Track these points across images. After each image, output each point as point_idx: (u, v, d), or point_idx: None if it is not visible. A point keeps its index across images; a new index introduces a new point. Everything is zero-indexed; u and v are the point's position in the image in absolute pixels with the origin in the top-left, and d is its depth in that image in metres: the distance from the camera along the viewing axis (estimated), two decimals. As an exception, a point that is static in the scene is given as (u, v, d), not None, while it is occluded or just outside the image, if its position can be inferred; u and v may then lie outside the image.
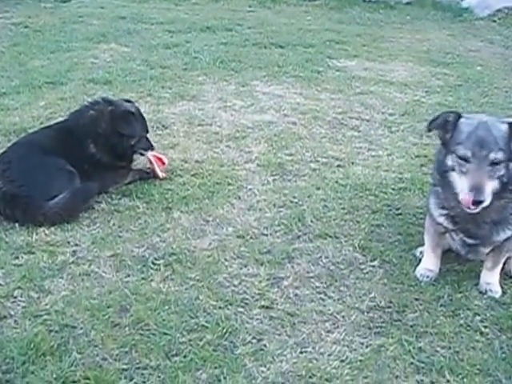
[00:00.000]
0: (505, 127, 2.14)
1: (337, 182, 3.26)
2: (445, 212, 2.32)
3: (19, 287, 2.32)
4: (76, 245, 2.62)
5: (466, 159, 2.14)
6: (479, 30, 7.33)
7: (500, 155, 2.11)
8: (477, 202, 2.11)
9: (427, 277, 2.45)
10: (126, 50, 5.65)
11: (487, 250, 2.36)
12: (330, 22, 7.28)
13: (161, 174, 3.21)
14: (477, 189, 2.10)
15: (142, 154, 3.21)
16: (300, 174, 3.34)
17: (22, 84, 4.54)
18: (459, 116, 2.24)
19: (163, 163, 3.26)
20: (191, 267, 2.48)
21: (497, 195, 2.15)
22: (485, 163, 2.11)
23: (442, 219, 2.34)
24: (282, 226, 2.82)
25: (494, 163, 2.12)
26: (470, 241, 2.33)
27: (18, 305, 2.23)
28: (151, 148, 3.22)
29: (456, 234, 2.36)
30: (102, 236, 2.68)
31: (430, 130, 2.37)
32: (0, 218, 2.77)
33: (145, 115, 3.41)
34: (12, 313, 2.19)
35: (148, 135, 3.26)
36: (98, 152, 3.03)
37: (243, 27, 6.67)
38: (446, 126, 2.26)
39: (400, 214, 2.97)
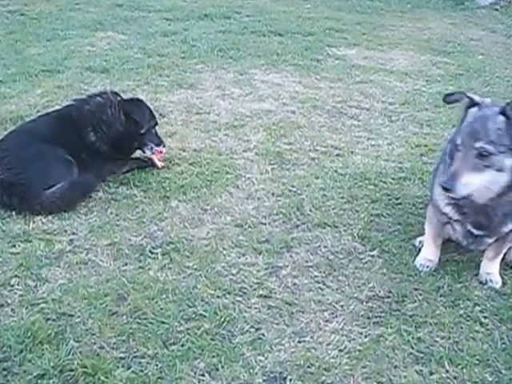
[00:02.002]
0: (500, 120, 2.10)
1: (336, 171, 3.24)
2: (452, 202, 2.29)
3: (16, 275, 2.31)
4: (73, 233, 2.60)
5: (457, 147, 2.15)
6: (481, 18, 7.27)
7: (489, 147, 2.06)
8: (445, 189, 2.12)
9: (427, 267, 2.43)
10: (124, 37, 5.60)
11: (491, 240, 2.34)
12: (330, 10, 7.22)
13: (159, 164, 3.18)
14: (451, 176, 2.10)
15: (151, 151, 3.11)
16: (299, 163, 3.31)
17: (18, 72, 4.50)
18: (472, 105, 2.21)
19: (160, 152, 3.23)
20: (189, 256, 2.47)
21: (508, 187, 2.11)
22: (471, 153, 2.08)
23: (448, 209, 2.31)
24: (280, 215, 2.80)
25: (482, 154, 2.08)
26: (477, 232, 2.30)
27: (15, 293, 2.22)
28: (162, 143, 3.13)
29: (460, 224, 2.33)
30: (100, 224, 2.66)
31: (446, 102, 2.36)
32: (-3, 206, 2.76)
33: None
34: (9, 301, 2.17)
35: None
36: (97, 141, 2.99)
37: (242, 15, 6.61)
38: (463, 107, 2.24)
39: (400, 203, 2.95)
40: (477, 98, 2.25)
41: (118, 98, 3.09)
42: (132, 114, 3.02)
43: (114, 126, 3.01)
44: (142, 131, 3.06)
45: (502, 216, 2.22)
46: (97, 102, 3.05)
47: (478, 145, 2.08)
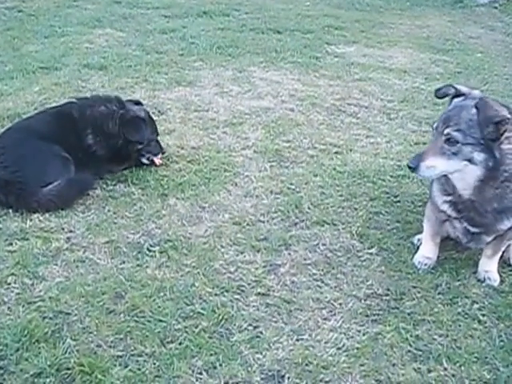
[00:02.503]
0: (473, 111, 2.12)
1: (335, 168, 3.23)
2: (448, 199, 2.30)
3: (13, 274, 2.30)
4: (70, 231, 2.59)
5: (433, 132, 2.23)
6: (480, 16, 7.27)
7: (456, 134, 2.10)
8: (408, 167, 2.19)
9: (425, 264, 2.43)
10: (122, 34, 5.58)
11: (490, 238, 2.33)
12: (329, 8, 7.20)
13: (157, 161, 3.17)
14: (417, 156, 2.18)
15: (149, 160, 3.12)
16: (297, 161, 3.30)
17: (15, 69, 4.47)
18: (456, 95, 2.27)
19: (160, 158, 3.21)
20: (187, 254, 2.46)
21: (482, 182, 2.14)
22: (440, 138, 2.14)
23: (445, 207, 2.32)
24: (278, 212, 2.79)
25: (449, 140, 2.12)
26: (473, 229, 2.30)
27: (12, 291, 2.21)
28: (161, 152, 3.15)
29: (459, 222, 2.33)
30: (97, 222, 2.65)
31: (437, 97, 2.42)
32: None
33: (141, 101, 3.37)
34: (6, 299, 2.16)
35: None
36: (94, 144, 2.97)
37: (240, 12, 6.59)
38: (450, 97, 2.32)
39: (398, 201, 2.95)
40: (463, 89, 2.29)
41: (121, 112, 3.02)
42: (129, 136, 2.99)
43: (113, 139, 2.99)
44: (140, 147, 3.06)
45: (494, 213, 2.22)
46: (100, 110, 3.00)
47: (446, 131, 2.13)
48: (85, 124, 2.96)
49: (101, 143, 2.98)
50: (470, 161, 2.12)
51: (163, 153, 3.17)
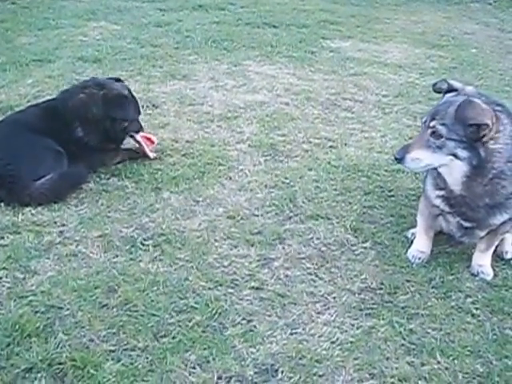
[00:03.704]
0: None
1: (329, 163, 3.22)
2: (441, 194, 2.30)
3: (4, 268, 2.27)
4: (63, 225, 2.57)
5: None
6: (475, 12, 7.27)
7: (441, 128, 2.11)
8: (395, 158, 2.23)
9: (419, 258, 2.43)
10: (116, 27, 5.54)
11: (483, 233, 2.33)
12: (325, 2, 7.17)
13: (151, 154, 3.15)
14: (404, 148, 2.22)
15: (131, 136, 3.12)
16: (292, 155, 3.29)
17: (8, 61, 4.44)
18: (448, 91, 2.29)
19: (152, 142, 3.20)
20: (181, 248, 2.45)
21: (469, 178, 2.14)
22: (427, 131, 2.16)
23: (438, 201, 2.32)
24: (273, 206, 2.78)
25: (435, 133, 2.13)
26: (466, 224, 2.30)
27: (3, 286, 2.19)
28: (141, 129, 3.13)
29: (452, 216, 2.33)
30: (90, 216, 2.63)
31: (435, 91, 2.44)
32: (-15, 197, 2.71)
33: (135, 94, 3.34)
34: (-3, 293, 2.15)
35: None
36: (85, 136, 2.94)
37: (236, 6, 6.56)
38: (441, 92, 2.35)
39: (392, 195, 2.94)
40: (456, 85, 2.30)
41: (102, 92, 2.97)
42: (115, 115, 2.95)
43: (100, 123, 2.95)
44: (125, 125, 3.02)
45: (487, 208, 2.22)
46: (79, 98, 2.96)
47: (431, 123, 2.14)
48: (71, 117, 2.92)
49: (90, 134, 2.95)
50: (455, 156, 2.12)
51: (142, 130, 3.11)
